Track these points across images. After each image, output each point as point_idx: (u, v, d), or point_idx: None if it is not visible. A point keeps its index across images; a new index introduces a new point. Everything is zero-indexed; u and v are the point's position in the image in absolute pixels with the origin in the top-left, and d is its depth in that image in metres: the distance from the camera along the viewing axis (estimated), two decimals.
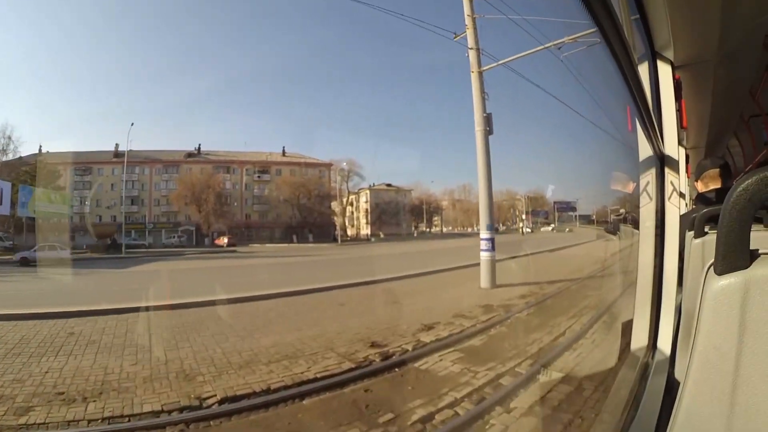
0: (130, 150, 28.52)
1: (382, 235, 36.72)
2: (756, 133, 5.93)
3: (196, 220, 31.02)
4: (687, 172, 5.33)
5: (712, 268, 0.51)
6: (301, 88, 42.82)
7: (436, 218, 40.90)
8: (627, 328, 2.99)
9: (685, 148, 5.17)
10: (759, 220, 2.70)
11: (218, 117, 43.71)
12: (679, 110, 2.87)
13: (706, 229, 1.76)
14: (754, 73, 3.98)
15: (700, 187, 3.02)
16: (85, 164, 28.75)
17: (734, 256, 0.48)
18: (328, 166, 36.18)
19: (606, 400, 3.27)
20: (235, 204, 33.33)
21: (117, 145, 29.37)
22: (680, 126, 2.81)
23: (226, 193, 32.77)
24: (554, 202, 26.10)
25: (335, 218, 36.41)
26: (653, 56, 2.99)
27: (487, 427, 3.78)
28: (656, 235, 2.59)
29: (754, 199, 0.47)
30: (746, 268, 0.48)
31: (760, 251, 0.50)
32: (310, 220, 34.10)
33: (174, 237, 31.09)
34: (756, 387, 0.47)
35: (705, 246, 1.71)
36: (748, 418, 0.47)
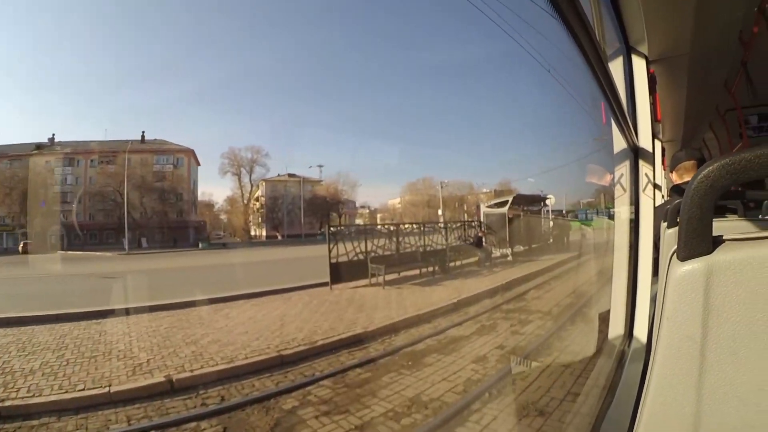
0: None
1: (279, 237, 30.76)
2: (732, 126, 6.05)
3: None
4: (663, 164, 5.43)
5: (675, 254, 0.52)
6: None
7: (360, 214, 34.03)
8: (606, 318, 3.05)
9: (662, 141, 5.27)
10: (734, 211, 2.79)
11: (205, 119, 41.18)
12: (653, 104, 2.91)
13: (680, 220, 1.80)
14: (729, 68, 4.05)
15: (675, 178, 3.08)
16: None
17: (696, 243, 0.50)
18: (188, 153, 28.45)
19: (585, 388, 3.34)
20: (68, 202, 26.13)
21: None
22: (654, 119, 2.86)
23: (63, 190, 25.93)
24: (515, 197, 20.40)
25: (199, 217, 29.17)
26: (628, 51, 3.05)
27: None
28: (631, 226, 2.64)
29: (716, 186, 0.48)
30: (709, 253, 0.49)
31: (724, 237, 0.51)
32: (156, 219, 27.04)
33: None
34: (722, 370, 0.48)
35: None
36: (715, 399, 0.49)
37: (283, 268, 14.71)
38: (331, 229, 13.04)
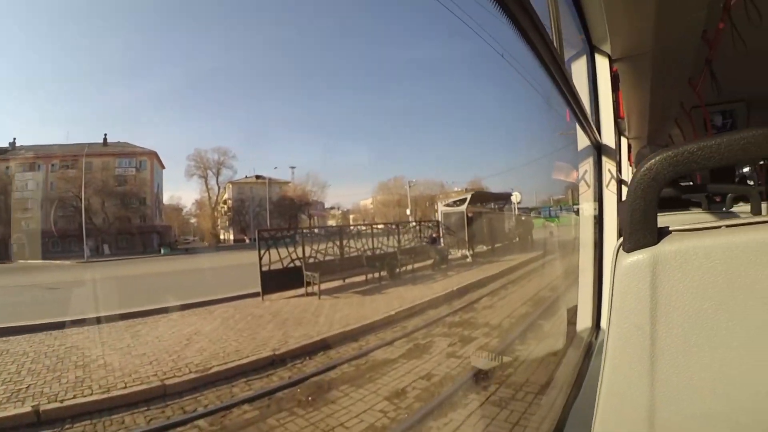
0: None
1: (247, 240, 27.97)
2: (697, 122, 6.23)
3: None
4: (629, 160, 5.56)
5: (621, 246, 0.53)
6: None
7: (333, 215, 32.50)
8: (575, 313, 3.12)
9: (627, 138, 5.39)
10: (698, 204, 2.89)
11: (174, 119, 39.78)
12: (616, 101, 2.98)
13: None
14: (693, 66, 4.15)
15: None
16: None
17: (641, 234, 0.51)
18: (152, 155, 26.82)
19: (553, 381, 3.40)
20: (29, 209, 24.23)
21: None
22: (617, 116, 2.93)
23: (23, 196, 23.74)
24: (474, 194, 18.93)
25: (164, 221, 27.14)
26: (591, 50, 3.11)
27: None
28: (595, 221, 2.70)
29: (658, 178, 0.49)
30: (654, 245, 0.50)
31: (671, 228, 0.52)
32: (118, 225, 25.33)
33: None
34: (674, 357, 0.49)
35: None
36: (669, 387, 0.50)
37: (231, 274, 13.36)
38: (265, 234, 12.16)
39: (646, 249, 0.50)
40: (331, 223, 30.12)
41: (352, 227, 15.56)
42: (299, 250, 11.54)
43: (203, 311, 9.38)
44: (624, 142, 5.26)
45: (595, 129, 2.60)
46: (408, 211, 29.33)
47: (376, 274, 12.37)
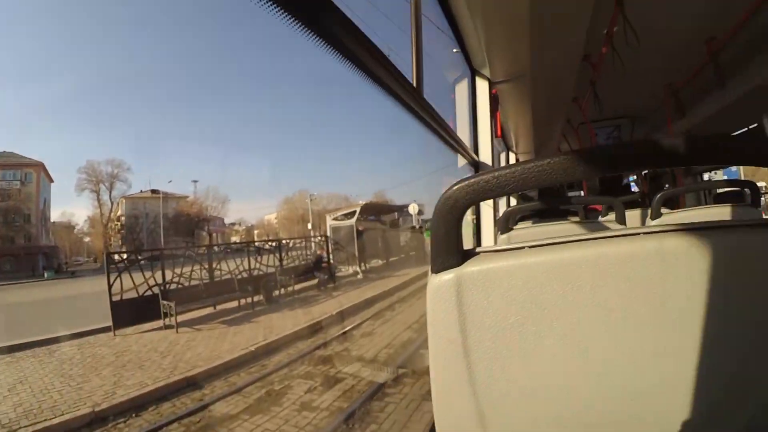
0: None
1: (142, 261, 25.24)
2: (583, 138, 6.81)
3: None
4: None
5: (430, 268, 0.55)
6: None
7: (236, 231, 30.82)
8: None
9: (516, 153, 5.80)
10: (575, 213, 3.15)
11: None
12: (494, 121, 3.19)
13: (514, 226, 2.01)
14: (578, 86, 4.37)
15: None
16: None
17: (445, 256, 0.53)
18: (38, 167, 23.76)
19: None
20: None
21: None
22: (494, 135, 3.13)
23: None
24: (364, 206, 17.11)
25: (52, 241, 24.21)
26: (472, 73, 3.33)
27: None
28: (474, 234, 2.88)
29: (458, 205, 0.52)
30: (459, 266, 0.53)
31: (477, 250, 0.55)
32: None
33: None
34: (489, 368, 0.53)
35: (510, 239, 1.97)
36: (491, 393, 0.54)
37: (104, 302, 10.48)
38: (116, 257, 10.27)
39: (451, 270, 0.53)
40: (235, 239, 28.47)
41: (233, 245, 13.75)
42: (170, 272, 10.23)
43: (44, 351, 8.11)
44: (513, 157, 5.65)
45: (471, 148, 2.77)
46: (309, 226, 28.49)
47: (250, 299, 10.82)
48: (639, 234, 0.51)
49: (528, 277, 0.51)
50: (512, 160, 5.74)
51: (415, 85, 1.67)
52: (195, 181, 29.20)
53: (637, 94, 5.05)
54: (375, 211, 18.66)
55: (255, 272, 11.94)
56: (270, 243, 14.45)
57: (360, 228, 16.02)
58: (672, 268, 0.50)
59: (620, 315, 0.50)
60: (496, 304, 0.51)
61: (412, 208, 20.60)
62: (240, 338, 8.43)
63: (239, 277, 11.54)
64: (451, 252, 0.53)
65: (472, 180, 0.51)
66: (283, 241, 14.85)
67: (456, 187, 0.51)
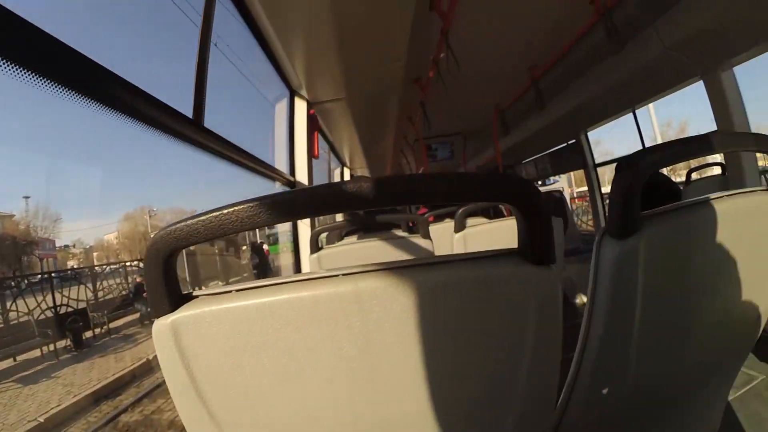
0: None
1: None
2: (419, 153, 7.33)
3: None
4: None
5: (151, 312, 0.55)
6: None
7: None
8: None
9: (350, 169, 6.08)
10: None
11: None
12: (311, 142, 3.27)
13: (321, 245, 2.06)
14: (411, 106, 4.63)
15: None
16: None
17: (160, 301, 0.53)
18: None
19: None
20: None
21: None
22: (311, 155, 3.21)
23: None
24: None
25: None
26: (291, 95, 3.37)
27: None
28: (293, 252, 2.93)
29: (161, 254, 0.51)
30: (174, 311, 0.52)
31: (195, 293, 0.54)
32: None
33: None
34: (221, 409, 0.53)
35: (320, 260, 2.03)
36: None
37: None
38: None
39: (168, 315, 0.52)
40: (72, 264, 24.10)
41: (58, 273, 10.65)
42: None
43: None
44: (347, 173, 5.89)
45: (288, 168, 2.81)
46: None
47: (53, 346, 8.03)
48: (338, 276, 0.53)
49: (236, 321, 0.51)
50: (347, 175, 5.95)
51: (193, 117, 1.63)
52: (27, 197, 23.87)
53: (469, 113, 5.50)
54: None
55: (62, 309, 9.02)
56: (94, 268, 11.80)
57: (192, 247, 13.80)
58: (370, 306, 0.51)
59: (329, 355, 0.52)
60: (212, 348, 0.52)
61: None
62: (30, 404, 6.00)
63: (41, 317, 8.62)
64: (164, 297, 0.52)
65: (176, 226, 0.50)
66: (104, 267, 12.23)
67: (162, 231, 0.51)
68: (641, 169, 0.62)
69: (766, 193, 0.77)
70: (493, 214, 3.55)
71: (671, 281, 0.69)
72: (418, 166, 8.01)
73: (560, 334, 0.57)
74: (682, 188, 2.66)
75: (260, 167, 2.31)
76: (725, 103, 2.73)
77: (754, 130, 2.67)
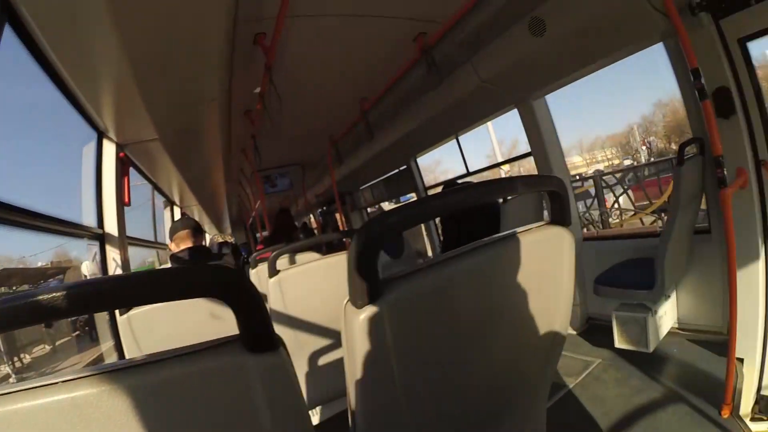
0: None
1: None
2: (254, 185, 7.16)
3: None
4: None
5: None
6: None
7: None
8: None
9: (181, 207, 5.73)
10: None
11: None
12: (120, 187, 3.04)
13: None
14: (245, 139, 4.57)
15: (173, 247, 3.34)
16: None
17: None
18: None
19: None
20: None
21: None
22: (121, 202, 2.97)
23: None
24: None
25: None
26: (99, 137, 3.06)
27: None
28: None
29: None
30: None
31: None
32: None
33: None
34: None
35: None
36: None
37: None
38: None
39: None
40: None
41: None
42: None
43: None
44: (178, 211, 5.53)
45: (95, 219, 2.59)
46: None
47: None
48: (56, 383, 0.45)
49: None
50: (177, 214, 5.58)
51: None
52: None
53: (306, 144, 5.57)
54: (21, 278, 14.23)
55: None
56: None
57: None
58: (87, 415, 0.45)
59: None
60: None
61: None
62: None
63: None
64: None
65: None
66: None
67: None
68: (372, 241, 0.57)
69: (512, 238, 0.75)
70: (326, 249, 3.66)
71: (429, 339, 0.66)
72: (254, 198, 7.87)
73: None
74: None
75: (56, 226, 2.09)
76: (537, 127, 3.22)
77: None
